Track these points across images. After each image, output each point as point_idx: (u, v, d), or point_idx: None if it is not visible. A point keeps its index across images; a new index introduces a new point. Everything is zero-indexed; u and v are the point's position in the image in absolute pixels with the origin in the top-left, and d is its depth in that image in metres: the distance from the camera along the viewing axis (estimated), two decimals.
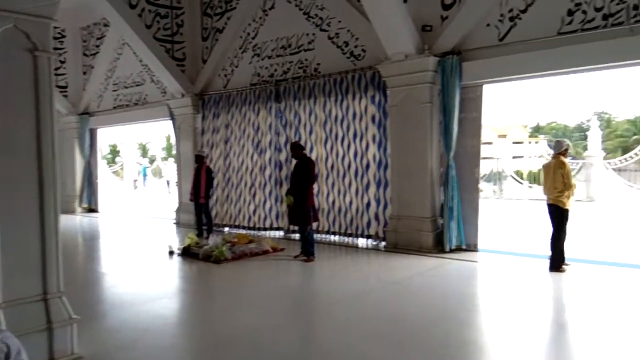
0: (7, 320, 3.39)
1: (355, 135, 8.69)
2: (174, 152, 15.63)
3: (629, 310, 4.93)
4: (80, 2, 11.72)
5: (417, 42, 7.70)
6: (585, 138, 25.10)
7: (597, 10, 6.34)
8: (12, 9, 3.61)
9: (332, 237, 9.09)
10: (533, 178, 19.63)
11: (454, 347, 4.04)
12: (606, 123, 45.09)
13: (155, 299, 5.70)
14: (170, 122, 12.11)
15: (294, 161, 7.80)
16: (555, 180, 6.37)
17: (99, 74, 14.33)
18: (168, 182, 26.92)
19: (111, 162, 37.03)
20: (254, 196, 10.37)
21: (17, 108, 3.67)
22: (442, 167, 7.87)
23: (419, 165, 7.84)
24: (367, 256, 8.02)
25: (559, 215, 6.40)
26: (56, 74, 14.18)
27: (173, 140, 14.11)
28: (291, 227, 9.47)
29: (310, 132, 9.34)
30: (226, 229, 10.84)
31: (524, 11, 6.94)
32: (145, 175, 29.46)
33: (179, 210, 12.06)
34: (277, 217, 10.04)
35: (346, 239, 8.92)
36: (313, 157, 8.94)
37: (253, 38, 10.46)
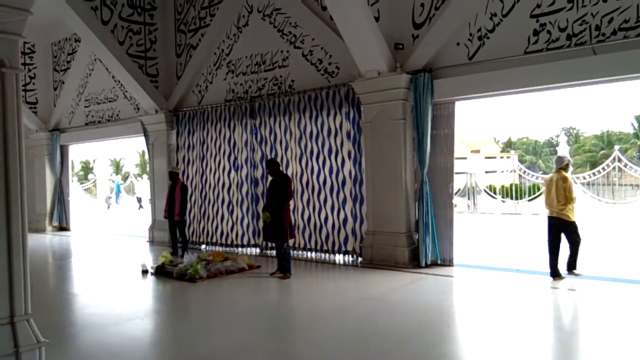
0: None
1: (330, 152, 8.74)
2: (148, 168, 15.42)
3: (606, 324, 5.03)
4: (51, 18, 11.58)
5: (390, 60, 7.84)
6: (554, 153, 25.78)
7: (561, 30, 6.57)
8: None
9: (308, 254, 9.07)
10: (505, 192, 20.00)
11: None
12: (574, 138, 46.49)
13: (127, 319, 5.57)
14: (144, 138, 11.98)
15: (270, 178, 7.79)
16: (558, 194, 6.65)
17: (70, 89, 14.12)
18: (139, 199, 26.54)
19: (83, 179, 36.35)
20: (231, 213, 10.29)
21: None
22: (417, 182, 7.96)
23: (394, 180, 7.92)
24: (343, 272, 8.02)
25: (567, 229, 6.66)
26: (25, 90, 13.97)
27: (147, 157, 13.93)
28: (267, 244, 9.42)
29: (286, 149, 9.36)
30: (203, 246, 10.71)
31: (491, 31, 7.14)
32: (118, 192, 28.98)
33: (152, 228, 11.87)
34: (253, 234, 9.98)
35: (322, 255, 8.91)
36: (289, 173, 8.95)
37: (227, 54, 10.48)
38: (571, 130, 49.40)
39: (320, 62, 9.00)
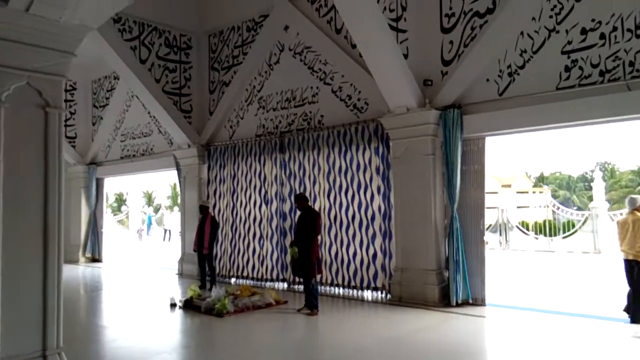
0: None
1: (359, 187, 8.73)
2: (179, 200, 15.72)
3: None
4: (93, 57, 12.13)
5: (419, 96, 7.88)
6: (589, 188, 25.10)
7: (594, 66, 6.50)
8: (26, 67, 3.76)
9: (336, 290, 8.97)
10: (539, 229, 19.46)
11: None
12: (610, 173, 45.17)
13: (154, 354, 5.58)
14: (176, 172, 12.25)
15: (299, 212, 7.81)
16: (636, 236, 6.50)
17: (107, 124, 14.64)
18: (167, 231, 26.85)
19: (116, 210, 37.20)
20: (261, 247, 10.32)
21: (27, 161, 3.75)
22: (446, 218, 7.85)
23: (423, 216, 7.83)
24: (372, 310, 7.87)
25: None
26: (66, 125, 14.52)
27: (178, 189, 14.21)
28: (295, 279, 9.37)
29: (314, 183, 9.41)
30: (233, 279, 10.73)
31: (521, 67, 7.12)
32: (150, 224, 29.49)
33: (182, 261, 11.98)
34: (282, 269, 9.95)
35: (350, 292, 8.79)
36: (316, 208, 8.96)
37: (259, 91, 10.73)
38: (606, 165, 48.08)
39: (350, 98, 9.11)
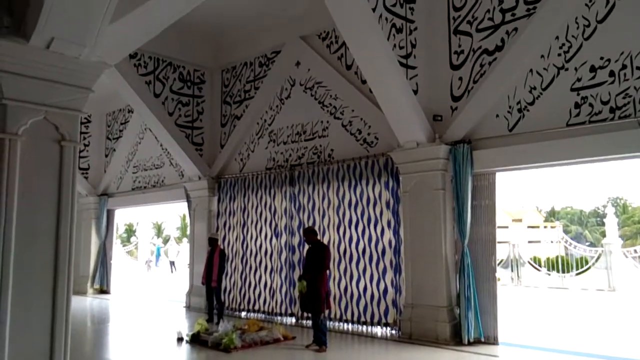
0: None
1: (369, 221, 8.69)
2: (188, 232, 15.72)
3: None
4: (108, 91, 12.40)
5: (428, 131, 7.93)
6: (601, 224, 24.77)
7: (604, 103, 6.53)
8: (44, 102, 3.84)
9: (345, 325, 8.82)
10: (551, 265, 19.11)
11: None
12: (622, 209, 44.61)
13: None
14: (186, 203, 12.31)
15: (307, 246, 7.77)
16: None
17: (120, 156, 14.83)
18: (172, 263, 26.75)
19: (126, 241, 37.22)
20: (272, 280, 10.23)
21: (41, 194, 3.79)
22: (457, 254, 7.76)
23: (433, 251, 7.75)
24: (381, 347, 7.71)
25: None
26: (79, 157, 14.73)
27: (187, 220, 14.25)
28: (303, 314, 9.23)
29: (323, 217, 9.39)
30: (243, 313, 10.61)
31: (531, 104, 7.16)
32: (158, 255, 29.45)
33: (189, 294, 11.90)
34: (290, 303, 9.83)
35: (359, 327, 8.63)
36: (325, 241, 8.91)
37: (269, 124, 10.86)
38: (618, 200, 47.54)
39: (360, 132, 9.18)
